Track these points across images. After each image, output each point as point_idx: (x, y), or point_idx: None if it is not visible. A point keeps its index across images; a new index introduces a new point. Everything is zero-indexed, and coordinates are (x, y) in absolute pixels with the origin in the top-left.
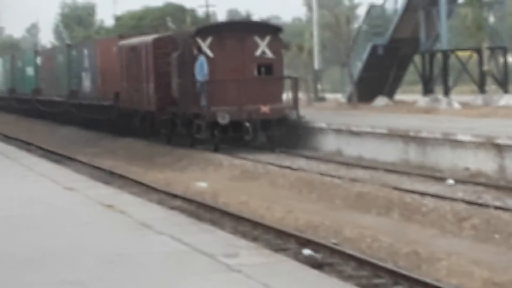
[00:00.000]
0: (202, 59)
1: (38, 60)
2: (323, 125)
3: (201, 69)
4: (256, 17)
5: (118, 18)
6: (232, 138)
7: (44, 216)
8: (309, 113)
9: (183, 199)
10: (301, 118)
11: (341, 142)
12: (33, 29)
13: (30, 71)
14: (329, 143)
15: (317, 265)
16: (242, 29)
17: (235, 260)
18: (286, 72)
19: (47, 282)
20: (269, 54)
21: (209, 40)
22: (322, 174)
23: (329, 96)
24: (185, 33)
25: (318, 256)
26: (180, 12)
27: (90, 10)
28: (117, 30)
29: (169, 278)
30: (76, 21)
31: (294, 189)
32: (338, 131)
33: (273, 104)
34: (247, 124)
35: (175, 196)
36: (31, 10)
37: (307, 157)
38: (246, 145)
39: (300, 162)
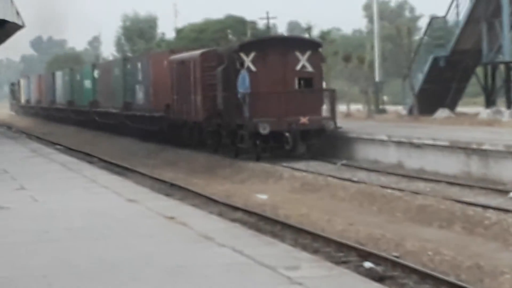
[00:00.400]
0: (244, 72)
1: (96, 73)
2: (384, 137)
3: (243, 82)
4: (316, 29)
5: (179, 31)
6: (273, 147)
7: (107, 228)
8: (369, 125)
9: (244, 211)
10: (338, 128)
11: (402, 154)
12: (95, 42)
13: (87, 84)
14: (390, 156)
15: (378, 278)
16: (283, 44)
17: (296, 273)
18: (346, 84)
19: None
20: (309, 68)
21: (252, 55)
22: (383, 186)
23: (390, 108)
24: (230, 48)
25: (379, 269)
26: (240, 24)
27: (151, 23)
28: (178, 43)
29: None
30: (137, 34)
31: (354, 202)
32: (399, 143)
33: (312, 115)
34: (287, 134)
35: (235, 208)
36: (94, 23)
37: (368, 170)
38: (286, 155)
39: (361, 175)
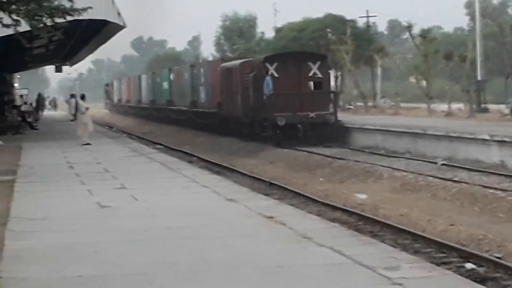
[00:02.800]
0: (268, 78)
1: (171, 76)
2: (486, 136)
3: (267, 86)
4: (417, 27)
5: (278, 30)
6: (288, 136)
7: (206, 227)
8: (470, 124)
9: (343, 210)
10: (338, 121)
11: (505, 154)
12: (195, 42)
13: (165, 85)
14: (492, 155)
15: (480, 280)
16: (299, 56)
17: (396, 273)
18: (448, 83)
19: None
20: (319, 74)
21: (275, 64)
22: (484, 186)
23: (492, 107)
24: (259, 59)
25: (481, 270)
26: (340, 23)
27: (251, 22)
28: (277, 42)
29: None
30: (237, 33)
31: (455, 202)
32: (502, 142)
33: (319, 111)
34: (299, 126)
35: (334, 208)
36: (193, 23)
37: (469, 169)
38: (299, 141)
39: (462, 174)
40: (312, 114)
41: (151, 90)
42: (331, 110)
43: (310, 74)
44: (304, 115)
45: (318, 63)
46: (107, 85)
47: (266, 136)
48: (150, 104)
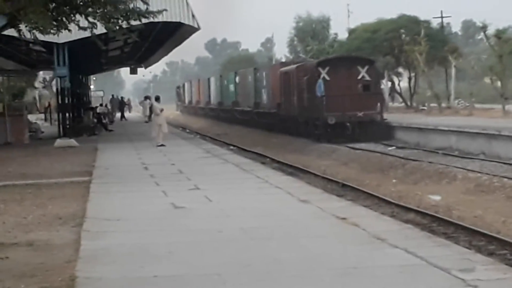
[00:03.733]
0: (320, 81)
1: (237, 79)
2: None
3: (319, 88)
4: (492, 27)
5: (351, 31)
6: (338, 133)
7: (280, 228)
8: None
9: (416, 212)
10: (384, 120)
11: None
12: (268, 43)
13: (231, 87)
14: None
15: None
16: (349, 61)
17: (471, 275)
18: None
19: None
20: (367, 77)
21: (327, 68)
22: None
23: None
24: (312, 64)
25: None
26: (414, 24)
27: (324, 24)
28: (351, 43)
29: None
30: (310, 34)
31: None
32: None
33: (366, 111)
34: (348, 124)
35: (408, 209)
36: (267, 25)
37: None
38: (348, 139)
39: None
40: (360, 114)
41: (219, 92)
42: (378, 110)
43: (359, 77)
44: (352, 114)
45: (366, 67)
46: (178, 87)
47: (319, 134)
48: (218, 105)
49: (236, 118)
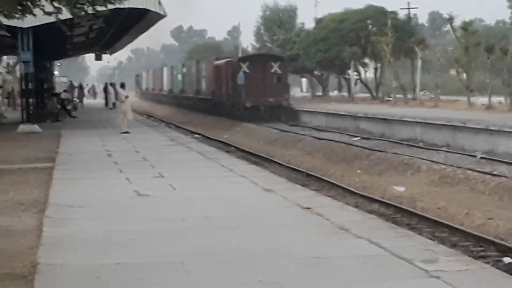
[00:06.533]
0: (241, 73)
1: (184, 70)
2: None
3: (240, 79)
4: (458, 19)
5: (318, 21)
6: (254, 115)
7: (244, 217)
8: (510, 118)
9: (381, 203)
10: (290, 105)
11: None
12: (234, 32)
13: (179, 77)
14: None
15: None
16: (264, 57)
17: (434, 266)
18: (488, 76)
19: (245, 283)
20: (278, 70)
21: (247, 63)
22: None
23: None
24: (235, 59)
25: None
26: (381, 14)
27: (291, 13)
28: (317, 33)
29: (367, 282)
30: (277, 23)
31: (494, 196)
32: None
33: (276, 97)
34: (262, 108)
35: (372, 200)
36: (234, 13)
37: (509, 163)
38: (262, 119)
39: (502, 168)
40: (271, 99)
41: (170, 80)
42: (286, 97)
43: (272, 71)
44: (265, 100)
45: (278, 63)
46: (137, 75)
47: (239, 115)
48: (169, 92)
49: (183, 103)
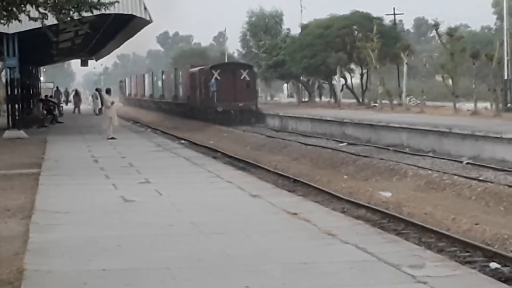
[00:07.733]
0: (213, 80)
1: (164, 76)
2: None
3: (212, 85)
4: (444, 25)
5: (304, 27)
6: (225, 118)
7: (230, 223)
8: (496, 123)
9: (367, 208)
10: (258, 109)
11: None
12: (220, 37)
13: (159, 83)
14: None
15: (505, 279)
16: (234, 66)
17: (420, 272)
18: (474, 82)
19: None
20: (247, 77)
21: (218, 71)
22: (510, 186)
23: None
24: (208, 67)
25: (505, 270)
26: (366, 20)
27: (277, 19)
28: (303, 39)
29: None
30: (263, 29)
31: (480, 201)
32: None
33: (245, 102)
34: (232, 111)
35: (358, 205)
36: (219, 19)
37: (494, 169)
38: (233, 122)
39: (487, 174)
40: (240, 104)
41: (151, 86)
42: (254, 102)
43: (242, 78)
44: (235, 104)
45: (247, 70)
46: (121, 81)
47: (211, 118)
48: (150, 97)
49: (163, 108)
